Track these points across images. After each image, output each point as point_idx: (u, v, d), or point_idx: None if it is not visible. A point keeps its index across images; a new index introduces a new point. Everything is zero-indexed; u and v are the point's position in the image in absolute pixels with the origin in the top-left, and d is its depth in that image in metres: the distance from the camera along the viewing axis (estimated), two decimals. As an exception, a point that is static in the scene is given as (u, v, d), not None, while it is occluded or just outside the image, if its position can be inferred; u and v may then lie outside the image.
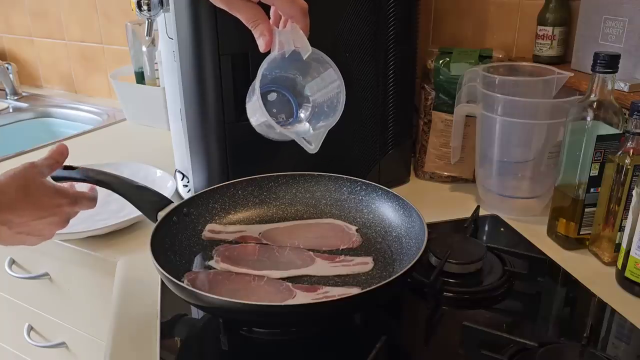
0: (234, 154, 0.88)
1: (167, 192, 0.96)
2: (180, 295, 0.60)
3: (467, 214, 0.86)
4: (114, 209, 0.94)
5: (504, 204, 0.93)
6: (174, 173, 1.07)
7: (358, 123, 0.96)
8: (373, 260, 0.69)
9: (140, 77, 1.35)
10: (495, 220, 0.90)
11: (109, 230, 0.88)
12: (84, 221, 0.91)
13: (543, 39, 0.97)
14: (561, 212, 0.83)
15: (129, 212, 0.89)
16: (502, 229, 0.87)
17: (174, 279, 0.59)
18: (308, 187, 0.82)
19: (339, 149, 0.94)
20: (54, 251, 0.91)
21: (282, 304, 0.58)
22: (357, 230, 0.76)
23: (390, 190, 0.76)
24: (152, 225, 0.70)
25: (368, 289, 0.55)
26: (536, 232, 0.86)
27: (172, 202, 0.75)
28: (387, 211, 0.76)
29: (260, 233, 0.76)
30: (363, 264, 0.68)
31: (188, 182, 1.02)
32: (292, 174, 0.82)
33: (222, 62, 0.84)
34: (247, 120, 0.87)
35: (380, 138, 0.99)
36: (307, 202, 0.82)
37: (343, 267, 0.67)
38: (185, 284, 0.63)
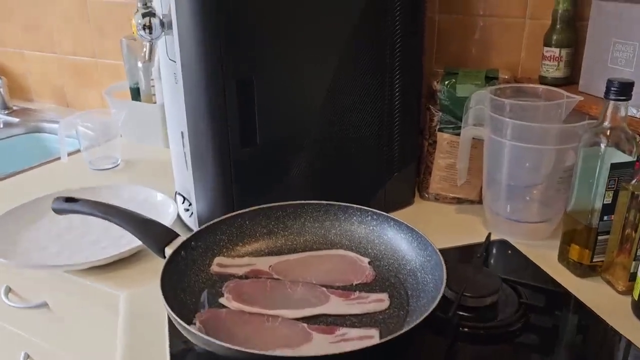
0: (239, 180, 0.86)
1: (169, 218, 0.94)
2: (193, 341, 0.58)
3: (476, 238, 0.85)
4: (115, 236, 0.92)
5: (512, 227, 0.92)
6: (174, 195, 1.04)
7: (364, 147, 0.94)
8: (389, 297, 0.68)
9: (135, 93, 1.32)
10: (505, 246, 0.89)
11: (111, 261, 0.85)
12: (83, 249, 0.89)
13: (550, 60, 0.96)
14: (573, 238, 0.82)
15: (130, 239, 0.87)
16: (512, 256, 0.85)
17: (186, 326, 0.57)
18: (317, 216, 0.81)
19: (346, 173, 0.93)
20: (52, 281, 0.89)
21: (304, 355, 0.56)
22: (369, 263, 0.74)
23: (404, 222, 0.75)
24: (156, 256, 0.68)
25: (389, 337, 0.54)
26: (546, 257, 0.85)
27: (179, 236, 0.73)
28: (400, 243, 0.74)
29: (270, 266, 0.74)
30: (379, 302, 0.66)
31: (189, 205, 0.99)
32: (301, 203, 0.81)
33: (227, 87, 0.81)
34: (253, 144, 0.85)
35: (387, 161, 0.97)
36: (317, 232, 0.80)
37: (359, 305, 0.66)
38: (197, 327, 0.61)
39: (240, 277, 0.72)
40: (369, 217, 0.78)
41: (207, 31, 0.79)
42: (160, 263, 0.68)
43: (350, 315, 0.65)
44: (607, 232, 0.78)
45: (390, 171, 0.98)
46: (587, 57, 0.91)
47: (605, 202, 0.76)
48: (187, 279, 0.70)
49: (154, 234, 0.73)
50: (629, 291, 0.75)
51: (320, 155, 0.91)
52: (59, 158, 1.23)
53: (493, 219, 0.95)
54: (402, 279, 0.70)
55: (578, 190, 0.80)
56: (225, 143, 0.84)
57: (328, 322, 0.64)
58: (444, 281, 0.61)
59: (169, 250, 0.70)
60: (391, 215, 0.77)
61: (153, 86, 1.27)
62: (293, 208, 0.81)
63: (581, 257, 0.80)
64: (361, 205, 0.93)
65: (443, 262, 0.65)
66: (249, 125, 0.85)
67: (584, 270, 0.81)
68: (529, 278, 0.77)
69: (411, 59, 0.93)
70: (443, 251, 0.67)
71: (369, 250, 0.76)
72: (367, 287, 0.70)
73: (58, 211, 0.78)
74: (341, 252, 0.77)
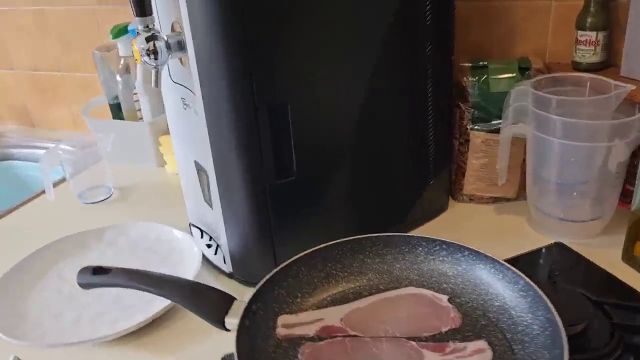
0: (275, 212, 0.77)
1: (196, 262, 0.84)
2: None
3: (525, 240, 0.82)
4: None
5: (563, 227, 0.88)
6: (188, 227, 0.94)
7: (400, 158, 0.86)
8: (489, 345, 0.61)
9: (116, 110, 1.18)
10: (562, 250, 0.84)
11: (143, 325, 0.75)
12: (105, 311, 0.78)
13: (585, 45, 0.90)
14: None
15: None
16: (576, 262, 0.80)
17: None
18: (376, 250, 0.73)
19: (383, 190, 0.85)
20: (74, 354, 0.77)
21: None
22: (449, 301, 0.67)
23: (481, 251, 0.68)
24: (188, 312, 0.62)
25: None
26: (609, 258, 0.81)
27: (235, 300, 0.64)
28: (480, 275, 0.68)
29: (341, 319, 0.66)
30: (480, 353, 0.60)
31: (210, 240, 0.90)
32: (357, 238, 0.73)
33: (260, 114, 0.71)
34: (290, 175, 0.76)
35: (423, 168, 0.90)
36: (379, 269, 0.72)
37: (460, 361, 0.59)
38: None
39: (313, 339, 0.64)
40: (437, 247, 0.71)
41: (233, 48, 0.68)
42: (196, 320, 0.62)
43: (455, 375, 0.58)
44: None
45: (427, 178, 0.91)
46: (629, 40, 0.86)
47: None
48: (256, 351, 0.61)
49: (208, 303, 0.63)
50: None
51: (357, 174, 0.82)
52: (42, 192, 1.09)
53: (540, 218, 0.90)
54: (494, 319, 0.64)
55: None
56: (260, 176, 0.75)
57: (433, 387, 0.58)
58: (562, 329, 0.55)
59: (231, 321, 0.61)
60: (432, 228, 0.70)
61: (137, 101, 1.14)
62: (350, 244, 0.72)
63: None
64: (400, 219, 0.86)
65: (547, 301, 0.59)
66: (284, 155, 0.75)
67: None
68: (610, 291, 0.72)
69: (441, 52, 0.85)
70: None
71: (444, 286, 0.69)
72: (459, 334, 0.63)
73: (86, 286, 0.67)
74: (412, 290, 0.69)
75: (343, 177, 0.81)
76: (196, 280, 0.70)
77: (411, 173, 0.90)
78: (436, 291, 0.69)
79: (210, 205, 0.84)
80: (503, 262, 0.66)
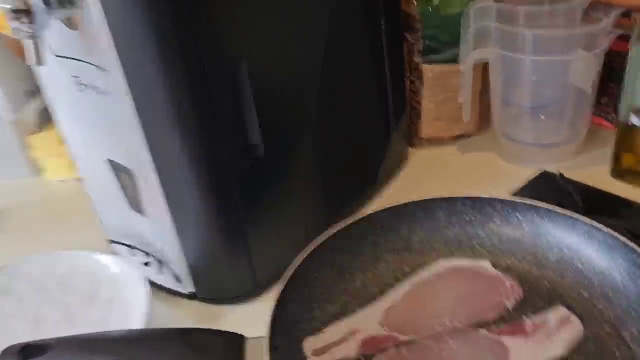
0: (245, 199, 0.59)
1: (141, 293, 0.62)
2: None
3: (507, 175, 0.75)
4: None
5: (539, 153, 0.80)
6: (108, 247, 0.72)
7: (364, 114, 0.72)
8: (569, 310, 0.50)
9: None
10: (552, 178, 0.76)
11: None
12: None
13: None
14: (632, 147, 0.72)
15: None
16: (574, 188, 0.72)
17: None
18: (388, 225, 0.58)
19: (350, 152, 0.71)
20: None
21: None
22: (493, 265, 0.55)
23: (516, 199, 0.57)
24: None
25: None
26: (598, 177, 0.75)
27: (245, 338, 0.46)
28: (521, 226, 0.57)
29: (381, 323, 0.52)
30: (567, 324, 0.49)
31: (147, 255, 0.69)
32: (362, 218, 0.57)
33: (211, 79, 0.52)
34: (256, 156, 0.58)
35: (385, 121, 0.76)
36: (395, 247, 0.58)
37: (553, 343, 0.47)
38: None
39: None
40: (460, 205, 0.58)
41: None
42: None
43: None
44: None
45: (389, 130, 0.78)
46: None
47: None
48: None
49: (211, 355, 0.44)
50: None
51: (324, 140, 0.66)
52: None
53: (513, 148, 0.81)
54: (559, 277, 0.54)
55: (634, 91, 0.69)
56: (221, 160, 0.56)
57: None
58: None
59: (256, 370, 0.43)
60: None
61: (-20, 97, 0.84)
62: (355, 227, 0.57)
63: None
64: (371, 180, 0.73)
65: (627, 241, 0.49)
66: (248, 128, 0.56)
67: (649, 178, 0.73)
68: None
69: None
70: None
71: (479, 249, 0.58)
72: (528, 305, 0.52)
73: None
74: (444, 263, 0.57)
75: (311, 147, 0.64)
76: (172, 327, 0.50)
77: (375, 128, 0.75)
78: (472, 258, 0.56)
79: (141, 212, 0.63)
80: (550, 206, 0.55)
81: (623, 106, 0.72)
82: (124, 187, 0.63)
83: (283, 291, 0.50)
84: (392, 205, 0.58)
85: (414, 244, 0.58)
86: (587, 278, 0.52)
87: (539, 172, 0.77)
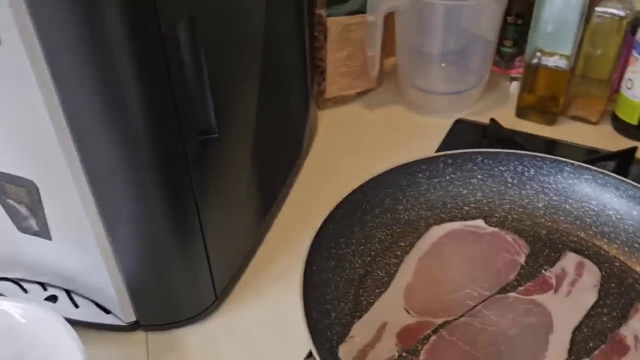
0: (202, 197, 0.47)
1: (71, 347, 0.47)
2: None
3: (422, 128, 0.74)
4: None
5: (448, 101, 0.80)
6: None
7: (291, 78, 0.63)
8: (578, 254, 0.50)
9: None
10: (470, 125, 0.76)
11: None
12: None
13: None
14: (537, 87, 0.75)
15: None
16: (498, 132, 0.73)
17: None
18: (373, 200, 0.52)
19: (284, 121, 0.63)
20: None
21: None
22: (487, 224, 0.53)
23: (498, 150, 0.54)
24: None
25: None
26: (507, 120, 0.77)
27: None
28: (503, 179, 0.54)
29: (404, 309, 0.45)
30: (583, 267, 0.48)
31: (45, 289, 0.54)
32: (346, 199, 0.50)
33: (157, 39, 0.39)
34: (211, 134, 0.47)
35: (305, 85, 0.68)
36: (384, 222, 0.52)
37: (582, 291, 0.46)
38: None
39: (403, 358, 0.42)
40: (441, 165, 0.54)
41: None
42: None
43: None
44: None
45: (308, 95, 0.70)
46: None
47: (577, 38, 0.70)
48: None
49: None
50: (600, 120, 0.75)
51: (264, 113, 0.56)
52: None
53: (422, 99, 0.79)
54: (553, 223, 0.53)
55: (542, 34, 0.71)
56: (171, 140, 0.43)
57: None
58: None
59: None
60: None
61: None
62: (341, 209, 0.49)
63: (551, 105, 0.75)
64: (298, 150, 0.66)
65: (615, 175, 0.50)
66: (199, 101, 0.44)
67: (553, 116, 0.77)
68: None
69: None
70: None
71: (466, 210, 0.54)
72: (539, 259, 0.50)
73: None
74: (438, 230, 0.52)
75: (254, 123, 0.54)
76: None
77: (299, 95, 0.67)
78: (463, 219, 0.53)
79: (40, 234, 0.47)
80: (532, 153, 0.53)
81: (529, 48, 0.73)
82: (9, 208, 0.46)
83: (305, 300, 0.40)
84: (370, 178, 0.51)
85: (401, 215, 0.53)
86: (580, 218, 0.52)
87: (454, 120, 0.76)
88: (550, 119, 0.76)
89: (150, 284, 0.48)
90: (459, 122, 0.76)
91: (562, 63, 0.71)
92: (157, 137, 0.41)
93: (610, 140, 0.70)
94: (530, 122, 0.77)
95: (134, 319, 0.50)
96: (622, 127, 0.73)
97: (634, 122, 0.71)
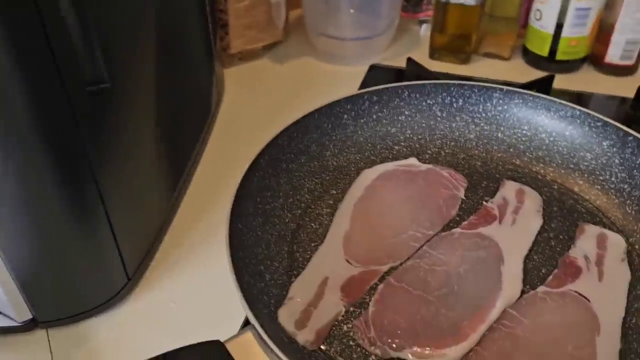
0: (98, 161, 0.39)
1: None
2: None
3: (334, 77, 0.70)
4: None
5: (359, 48, 0.76)
6: None
7: (193, 34, 0.56)
8: (515, 181, 0.47)
9: None
10: (384, 69, 0.72)
11: None
12: None
13: None
14: (448, 29, 0.73)
15: None
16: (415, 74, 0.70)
17: None
18: (296, 148, 0.47)
19: (187, 80, 0.56)
20: None
21: None
22: (420, 161, 0.49)
23: (418, 83, 0.50)
24: None
25: None
26: (424, 64, 0.74)
27: (220, 343, 0.31)
28: (433, 113, 0.51)
29: (348, 261, 0.41)
30: (523, 194, 0.46)
31: None
32: (265, 150, 0.44)
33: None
34: (101, 83, 0.40)
35: (209, 41, 0.61)
36: (312, 170, 0.48)
37: (527, 218, 0.44)
38: None
39: (351, 313, 0.38)
40: (367, 103, 0.50)
41: None
42: None
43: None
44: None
45: (212, 54, 0.63)
46: None
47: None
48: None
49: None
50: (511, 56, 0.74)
51: (162, 68, 0.49)
52: None
53: (332, 47, 0.75)
54: (487, 155, 0.50)
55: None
56: (50, 86, 0.35)
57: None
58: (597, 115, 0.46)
59: None
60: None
61: None
62: (262, 162, 0.43)
63: (464, 44, 0.73)
64: (207, 111, 0.59)
65: (543, 95, 0.48)
66: (85, 43, 0.36)
67: (466, 55, 0.75)
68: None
69: None
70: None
71: (397, 148, 0.50)
72: (478, 191, 0.47)
73: None
74: (370, 173, 0.48)
75: (154, 76, 0.47)
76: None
77: (200, 48, 0.60)
78: (396, 159, 0.49)
79: None
80: (459, 82, 0.50)
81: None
82: None
83: (234, 262, 0.34)
84: (292, 122, 0.46)
85: (330, 162, 0.48)
86: (513, 146, 0.50)
87: (367, 67, 0.72)
88: (463, 58, 0.74)
89: (44, 273, 0.40)
90: (373, 68, 0.72)
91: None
92: (32, 87, 0.33)
93: (523, 74, 0.69)
94: (444, 62, 0.74)
95: (29, 316, 0.42)
96: (533, 60, 0.72)
97: (544, 54, 0.70)
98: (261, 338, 0.30)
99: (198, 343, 0.30)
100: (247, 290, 0.35)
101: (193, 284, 0.44)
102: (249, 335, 0.31)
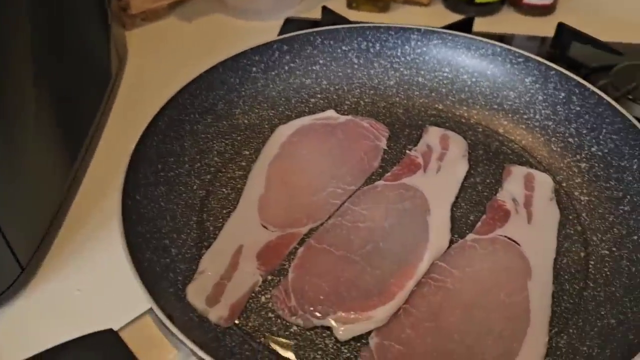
0: None
1: None
2: None
3: (244, 31, 0.65)
4: None
5: (270, 1, 0.71)
6: None
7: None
8: (437, 126, 0.45)
9: None
10: (298, 21, 0.68)
11: None
12: None
13: None
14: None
15: None
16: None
17: None
18: (201, 105, 0.42)
19: (80, 45, 0.50)
20: None
21: None
22: (339, 113, 0.46)
23: (331, 28, 0.46)
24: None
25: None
26: (345, 13, 0.70)
27: (114, 332, 0.27)
28: (349, 60, 0.47)
29: (263, 226, 0.37)
30: (448, 139, 0.44)
31: None
32: (166, 106, 0.39)
33: None
34: None
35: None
36: (222, 130, 0.43)
37: (451, 164, 0.42)
38: None
39: (269, 282, 0.34)
40: (277, 53, 0.45)
41: None
42: None
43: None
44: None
45: (106, 13, 0.56)
46: None
47: None
48: None
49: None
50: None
51: (51, 35, 0.43)
52: None
53: (243, 0, 0.70)
54: (408, 99, 0.47)
55: None
56: None
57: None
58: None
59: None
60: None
61: None
62: (164, 121, 0.39)
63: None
64: (106, 78, 0.53)
65: (464, 34, 0.45)
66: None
67: (385, 3, 0.71)
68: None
69: None
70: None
71: (312, 101, 0.46)
72: (400, 139, 0.44)
73: None
74: (285, 130, 0.44)
75: (37, 38, 0.40)
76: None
77: (93, 9, 0.53)
78: (313, 113, 0.45)
79: None
80: (375, 24, 0.47)
81: None
82: None
83: (128, 238, 0.30)
84: (192, 79, 0.41)
85: (240, 120, 0.44)
86: (435, 90, 0.47)
87: (282, 21, 0.68)
88: (382, 6, 0.71)
89: None
90: (288, 22, 0.67)
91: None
92: None
93: (444, 19, 0.66)
94: (362, 12, 0.71)
95: None
96: (452, 4, 0.70)
97: (463, -3, 0.68)
98: (162, 322, 0.26)
99: (88, 334, 0.26)
100: (149, 268, 0.31)
101: (98, 270, 0.39)
102: (147, 320, 0.27)
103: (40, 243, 0.42)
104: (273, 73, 0.45)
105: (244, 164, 0.41)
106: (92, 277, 0.39)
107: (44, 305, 0.38)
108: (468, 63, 0.46)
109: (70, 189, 0.46)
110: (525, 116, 0.44)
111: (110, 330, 0.26)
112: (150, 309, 0.27)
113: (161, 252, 0.33)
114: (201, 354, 0.25)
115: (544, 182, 0.40)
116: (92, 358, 0.25)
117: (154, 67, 0.61)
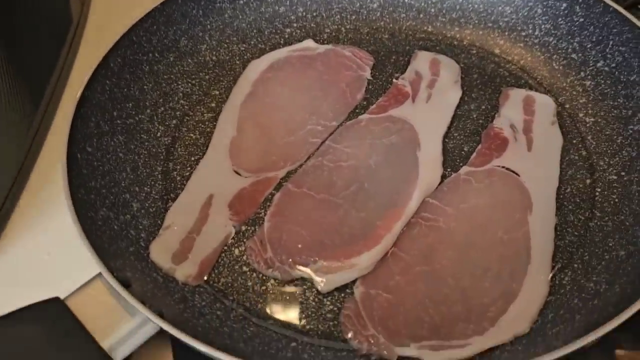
0: None
1: None
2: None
3: None
4: None
5: None
6: None
7: None
8: (428, 50, 0.40)
9: None
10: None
11: None
12: None
13: None
14: None
15: None
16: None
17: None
18: (160, 42, 0.38)
19: None
20: None
21: None
22: (318, 42, 0.41)
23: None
24: None
25: None
26: None
27: (63, 300, 0.24)
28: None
29: (234, 172, 0.34)
30: (439, 66, 0.39)
31: None
32: (121, 40, 0.35)
33: None
34: None
35: None
36: (188, 70, 0.39)
37: (444, 91, 0.38)
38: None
39: (243, 233, 0.31)
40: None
41: None
42: None
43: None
44: None
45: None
46: None
47: None
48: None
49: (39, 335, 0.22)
50: None
51: None
52: None
53: None
54: (390, 20, 0.42)
55: None
56: None
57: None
58: None
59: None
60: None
61: None
62: (121, 58, 0.35)
63: None
64: (67, 23, 0.49)
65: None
66: None
67: None
68: None
69: None
70: None
71: (289, 31, 0.42)
72: (384, 69, 0.40)
73: None
74: (258, 64, 0.40)
75: None
76: None
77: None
78: (289, 44, 0.41)
79: None
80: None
81: None
82: None
83: (73, 194, 0.27)
84: (147, 13, 0.37)
85: (207, 57, 0.39)
86: (423, 10, 0.42)
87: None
88: None
89: None
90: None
91: None
92: None
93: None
94: None
95: None
96: None
97: None
98: (113, 287, 0.24)
99: (31, 305, 0.23)
100: (103, 226, 0.28)
101: (65, 233, 0.36)
102: (99, 285, 0.24)
103: (1, 208, 0.39)
104: (242, 2, 0.40)
105: (213, 105, 0.37)
106: (56, 241, 0.36)
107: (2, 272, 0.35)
108: (458, -23, 0.41)
109: (33, 145, 0.42)
110: (523, 33, 0.40)
111: (57, 298, 0.24)
112: (100, 274, 0.24)
113: (120, 208, 0.30)
114: (157, 321, 0.23)
115: (545, 105, 0.36)
116: (35, 331, 0.22)
117: (122, 5, 0.56)
